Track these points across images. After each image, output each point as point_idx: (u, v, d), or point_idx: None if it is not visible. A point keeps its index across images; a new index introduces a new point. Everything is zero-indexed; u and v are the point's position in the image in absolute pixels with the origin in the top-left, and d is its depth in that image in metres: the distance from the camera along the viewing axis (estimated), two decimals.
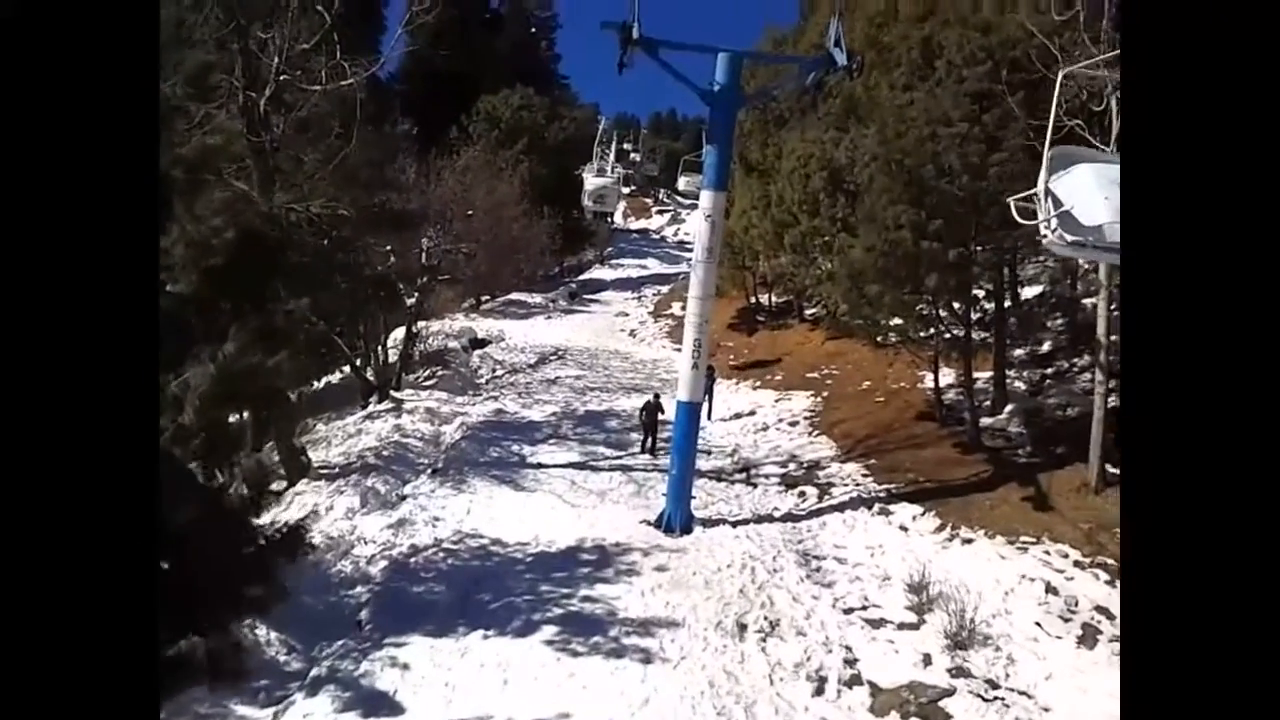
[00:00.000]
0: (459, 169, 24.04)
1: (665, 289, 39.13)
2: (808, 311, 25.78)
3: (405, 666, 9.52)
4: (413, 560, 12.38)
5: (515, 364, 24.97)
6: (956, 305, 15.27)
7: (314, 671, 9.60)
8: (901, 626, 10.08)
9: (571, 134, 46.40)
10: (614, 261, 49.33)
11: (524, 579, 11.54)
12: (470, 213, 22.74)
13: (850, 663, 9.41)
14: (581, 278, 44.74)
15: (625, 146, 76.26)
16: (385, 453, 16.98)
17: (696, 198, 30.60)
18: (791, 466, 15.84)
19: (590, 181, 52.06)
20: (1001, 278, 16.34)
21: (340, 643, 10.19)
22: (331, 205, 14.18)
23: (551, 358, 25.84)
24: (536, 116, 41.67)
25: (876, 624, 10.19)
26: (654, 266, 47.85)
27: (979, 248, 15.21)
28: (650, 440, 16.50)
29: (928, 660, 9.32)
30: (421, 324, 25.80)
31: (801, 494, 14.58)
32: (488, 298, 35.64)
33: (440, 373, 23.15)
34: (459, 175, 23.75)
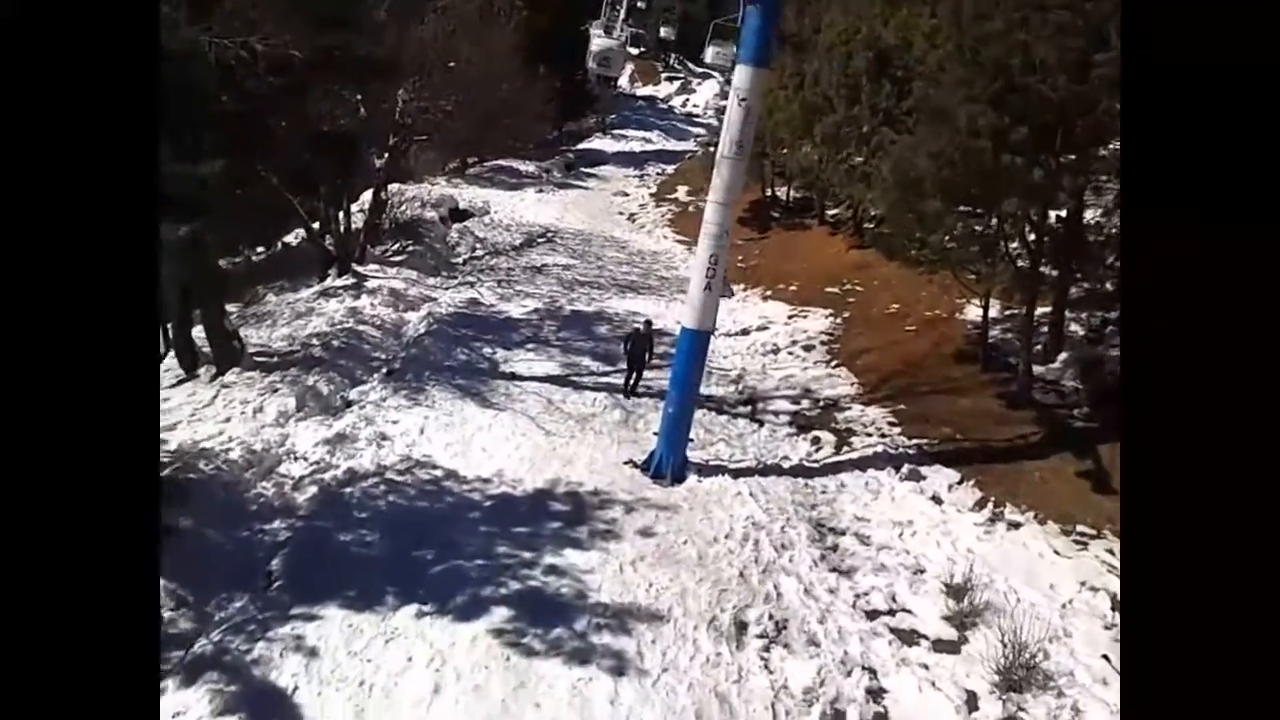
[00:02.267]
0: (442, 10, 20.47)
1: (670, 168, 35.93)
2: (830, 212, 23.04)
3: (312, 653, 7.48)
4: (347, 491, 10.25)
5: (498, 244, 22.29)
6: (1030, 233, 12.70)
7: (199, 645, 7.56)
8: (938, 646, 8.09)
9: None
10: (616, 131, 45.60)
11: (478, 533, 9.44)
12: (452, 64, 19.46)
13: (874, 695, 7.44)
14: (580, 147, 41.25)
15: (639, 4, 70.42)
16: (335, 343, 14.64)
17: (724, 70, 27.00)
18: (805, 404, 13.61)
19: (596, 41, 47.56)
20: (1079, 202, 13.69)
21: (239, 604, 8.14)
22: (274, 43, 11.22)
23: (539, 240, 23.14)
24: None
25: (907, 638, 8.19)
26: (659, 141, 44.30)
27: (1059, 162, 12.53)
28: (635, 379, 13.47)
29: (972, 703, 7.36)
30: (395, 187, 22.98)
31: (816, 441, 12.41)
32: (475, 161, 32.44)
33: (411, 247, 20.50)
34: (442, 19, 20.17)
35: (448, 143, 24.60)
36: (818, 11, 23.24)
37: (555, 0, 38.11)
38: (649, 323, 13.98)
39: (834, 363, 15.08)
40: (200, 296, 13.13)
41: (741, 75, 10.09)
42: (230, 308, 17.80)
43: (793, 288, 18.95)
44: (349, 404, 12.57)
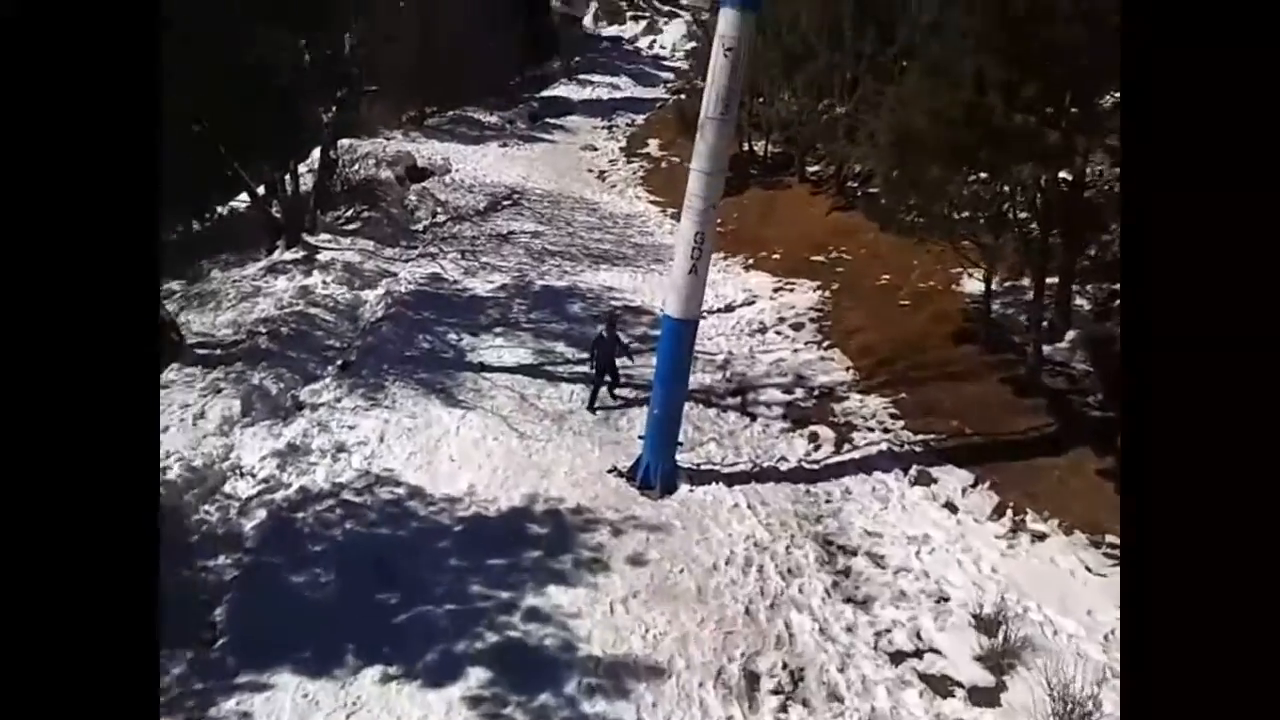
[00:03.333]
0: None
1: (640, 118, 34.20)
2: (810, 169, 21.79)
3: None
4: (300, 516, 9.11)
5: (460, 208, 20.77)
6: (1041, 200, 11.66)
7: None
8: (975, 696, 7.23)
9: None
10: (582, 76, 43.41)
11: (448, 568, 8.38)
12: (403, 2, 17.67)
13: None
14: (545, 94, 39.20)
15: None
16: (284, 329, 13.29)
17: (697, 11, 25.09)
18: (799, 393, 12.60)
19: None
20: (1086, 163, 12.65)
21: (178, 670, 7.04)
22: None
23: (505, 203, 21.65)
24: None
25: (939, 687, 7.33)
26: (627, 87, 42.28)
27: (1070, 120, 11.44)
28: (601, 386, 11.72)
29: None
30: (346, 143, 21.30)
31: (814, 438, 11.43)
32: (434, 111, 30.53)
33: (366, 213, 18.96)
34: None
35: (399, 93, 22.78)
36: None
37: None
38: (612, 321, 12.09)
39: (826, 344, 14.05)
40: None
41: (728, 20, 8.74)
42: (174, 285, 16.45)
43: (776, 255, 17.80)
44: (300, 406, 11.33)
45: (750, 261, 17.93)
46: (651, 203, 23.37)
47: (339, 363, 12.56)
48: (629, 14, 67.65)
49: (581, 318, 14.68)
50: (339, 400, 11.36)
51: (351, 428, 10.75)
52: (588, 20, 59.11)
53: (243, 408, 11.06)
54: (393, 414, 11.10)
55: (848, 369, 13.18)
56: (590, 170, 26.64)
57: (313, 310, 14.12)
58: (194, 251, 17.40)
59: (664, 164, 26.93)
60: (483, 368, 12.64)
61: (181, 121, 14.58)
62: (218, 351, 12.53)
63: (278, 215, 17.33)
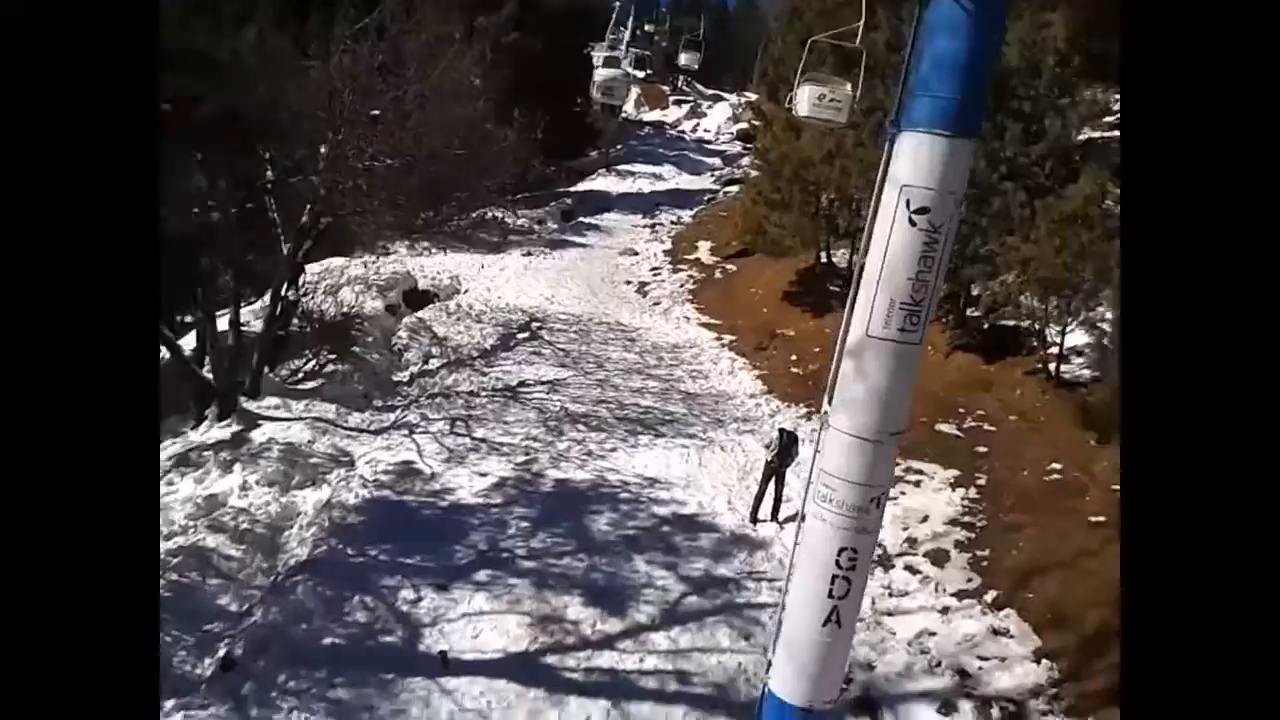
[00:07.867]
0: (367, 39, 14.25)
1: (687, 214, 30.11)
2: None
3: None
4: None
5: (462, 347, 16.37)
6: None
7: None
8: None
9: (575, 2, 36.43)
10: (622, 167, 39.88)
11: None
12: (376, 111, 13.59)
13: None
14: (580, 188, 35.54)
15: (647, 28, 65.47)
16: (165, 584, 8.70)
17: (827, 125, 20.43)
18: (968, 712, 7.53)
19: (600, 71, 42.48)
20: None
21: None
22: None
23: (520, 335, 17.25)
24: None
25: None
26: (671, 176, 38.51)
27: None
28: None
29: None
30: (320, 268, 17.24)
31: None
32: (448, 215, 26.57)
33: (331, 367, 14.61)
34: (352, 56, 13.86)
35: (403, 201, 18.67)
36: (877, 24, 17.30)
37: (550, 19, 32.79)
38: None
39: (992, 597, 8.96)
40: None
41: (923, 157, 4.16)
42: None
43: None
44: None
45: None
46: (704, 325, 18.80)
47: (219, 656, 7.89)
48: (672, 99, 64.98)
49: (610, 544, 9.87)
50: None
51: None
52: (629, 107, 56.17)
53: None
54: None
55: (1037, 657, 8.07)
56: (629, 282, 22.26)
57: (212, 542, 9.55)
58: None
59: (718, 273, 22.51)
60: (445, 664, 7.85)
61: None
62: None
63: (209, 375, 13.06)
